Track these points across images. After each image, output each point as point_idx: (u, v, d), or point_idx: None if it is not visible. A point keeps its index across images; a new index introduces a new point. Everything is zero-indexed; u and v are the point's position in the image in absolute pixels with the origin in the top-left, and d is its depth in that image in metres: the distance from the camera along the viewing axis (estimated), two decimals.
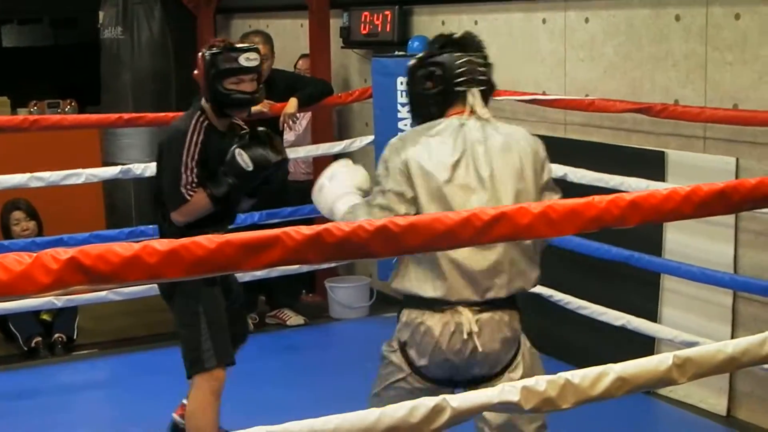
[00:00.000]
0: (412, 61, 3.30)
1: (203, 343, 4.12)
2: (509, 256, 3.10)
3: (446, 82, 3.18)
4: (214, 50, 4.19)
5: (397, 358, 3.24)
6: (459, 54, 3.19)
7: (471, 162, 3.10)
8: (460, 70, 3.18)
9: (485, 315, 3.12)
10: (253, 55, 4.21)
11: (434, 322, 3.11)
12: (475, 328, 3.09)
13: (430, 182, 3.08)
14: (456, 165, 3.09)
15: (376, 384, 3.33)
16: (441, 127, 3.17)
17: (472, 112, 3.18)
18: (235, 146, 4.11)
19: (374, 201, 3.16)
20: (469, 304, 3.11)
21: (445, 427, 2.28)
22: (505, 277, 3.12)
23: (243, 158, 4.07)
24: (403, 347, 3.21)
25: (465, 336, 3.08)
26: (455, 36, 3.26)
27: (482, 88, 3.22)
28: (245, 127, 4.31)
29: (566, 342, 5.80)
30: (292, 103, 6.27)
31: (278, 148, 4.18)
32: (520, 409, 2.31)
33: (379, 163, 3.24)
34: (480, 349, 3.10)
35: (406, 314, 3.18)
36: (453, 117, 3.18)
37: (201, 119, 4.19)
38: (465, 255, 3.06)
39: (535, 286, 3.25)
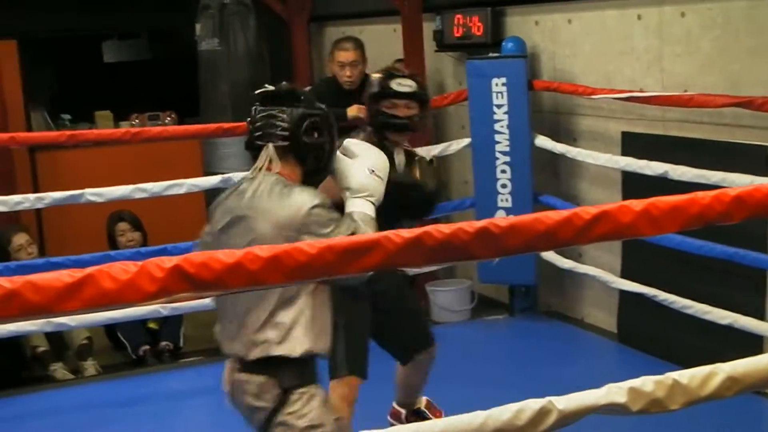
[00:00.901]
0: None
1: (338, 352, 4.17)
2: (242, 319, 3.20)
3: (250, 135, 3.27)
4: (378, 74, 4.43)
5: None
6: (261, 108, 3.24)
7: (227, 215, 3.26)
8: (257, 124, 3.24)
9: (238, 375, 3.27)
10: (407, 81, 4.35)
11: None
12: (226, 387, 3.33)
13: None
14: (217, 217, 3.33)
15: None
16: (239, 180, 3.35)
17: (266, 167, 3.23)
18: None
19: None
20: (235, 358, 3.28)
21: (552, 430, 2.26)
22: (240, 342, 3.24)
23: None
24: None
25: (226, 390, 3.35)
26: (274, 89, 3.32)
27: (283, 143, 3.22)
28: (417, 155, 4.45)
29: (672, 342, 5.72)
30: None
31: (423, 175, 4.28)
32: (628, 410, 2.29)
33: None
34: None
35: None
36: (252, 170, 3.28)
37: (371, 137, 4.31)
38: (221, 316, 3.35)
39: (283, 349, 3.19)
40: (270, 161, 3.21)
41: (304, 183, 3.23)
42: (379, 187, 3.33)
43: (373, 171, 3.35)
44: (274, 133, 3.21)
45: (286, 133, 3.20)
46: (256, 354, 3.16)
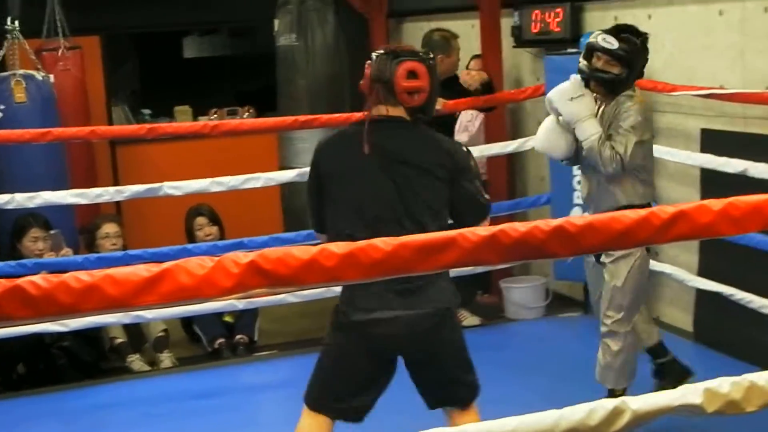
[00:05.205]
0: None
1: None
2: None
3: None
4: None
5: None
6: None
7: None
8: None
9: None
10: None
11: None
12: None
13: None
14: None
15: None
16: None
17: None
18: None
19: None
20: None
21: (625, 430, 2.24)
22: None
23: None
24: None
25: None
26: None
27: None
28: None
29: (749, 342, 5.63)
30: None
31: None
32: (703, 411, 2.26)
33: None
34: None
35: None
36: None
37: None
38: None
39: None
40: None
41: None
42: None
43: None
44: None
45: None
46: None
